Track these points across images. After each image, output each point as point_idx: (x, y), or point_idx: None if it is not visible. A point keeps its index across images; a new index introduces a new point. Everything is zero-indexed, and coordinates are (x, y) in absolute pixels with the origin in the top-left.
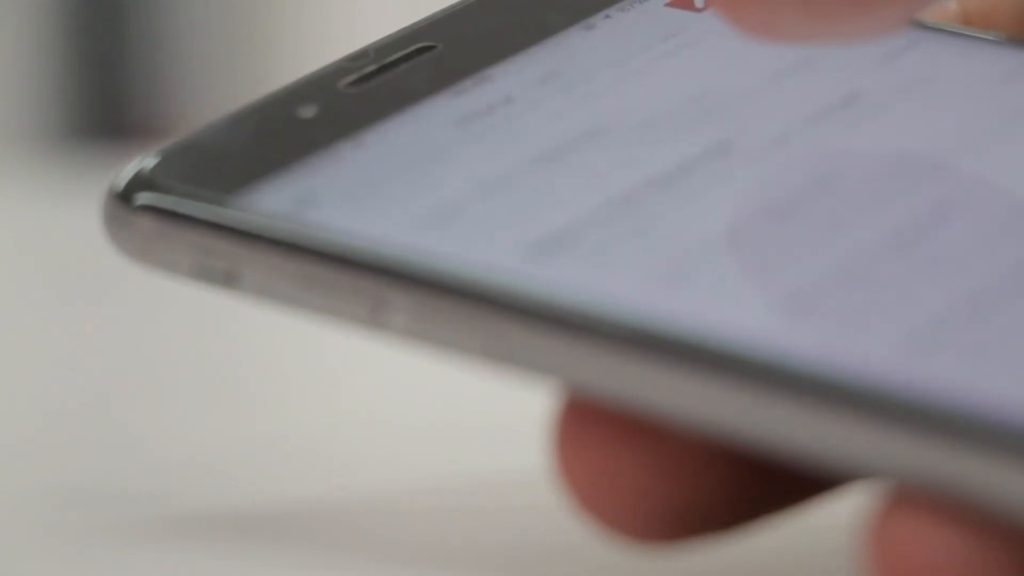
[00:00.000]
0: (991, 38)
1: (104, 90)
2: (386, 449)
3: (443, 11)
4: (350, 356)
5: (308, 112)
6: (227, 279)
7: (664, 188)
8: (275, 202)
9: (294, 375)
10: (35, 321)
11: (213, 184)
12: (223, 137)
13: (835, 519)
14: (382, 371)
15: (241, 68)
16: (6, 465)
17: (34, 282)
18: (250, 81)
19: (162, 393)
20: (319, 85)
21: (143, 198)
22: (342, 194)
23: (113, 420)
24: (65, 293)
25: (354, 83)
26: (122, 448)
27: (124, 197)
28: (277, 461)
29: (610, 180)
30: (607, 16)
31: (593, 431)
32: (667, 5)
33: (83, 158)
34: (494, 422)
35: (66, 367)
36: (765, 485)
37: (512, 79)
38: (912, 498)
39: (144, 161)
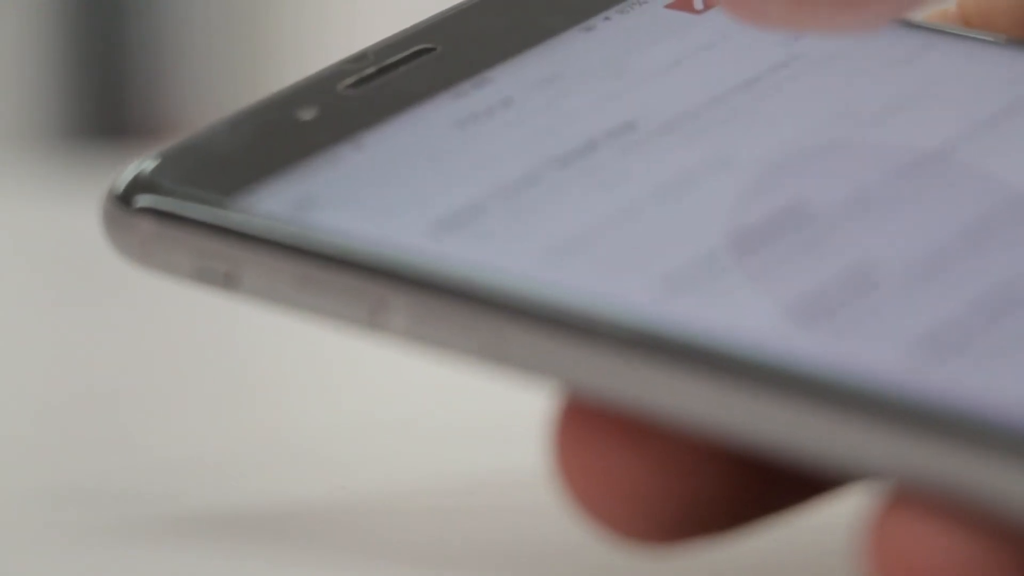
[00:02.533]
0: (989, 39)
1: (104, 90)
2: (386, 449)
3: (443, 13)
4: (350, 356)
5: (308, 114)
6: (227, 281)
7: (668, 193)
8: (275, 204)
9: (294, 375)
10: (35, 321)
11: (213, 186)
12: (223, 139)
13: (835, 519)
14: (382, 371)
15: (241, 68)
16: (6, 464)
17: (34, 282)
18: (250, 81)
19: (162, 393)
20: (319, 87)
21: (143, 200)
22: (342, 196)
23: (113, 419)
24: (65, 293)
25: (354, 85)
26: (122, 448)
27: (124, 199)
28: (277, 461)
29: (612, 184)
30: (607, 18)
31: (592, 432)
32: (667, 7)
33: (83, 158)
34: (494, 422)
35: (66, 367)
36: (765, 486)
37: (512, 81)
38: (912, 498)
39: (144, 163)
